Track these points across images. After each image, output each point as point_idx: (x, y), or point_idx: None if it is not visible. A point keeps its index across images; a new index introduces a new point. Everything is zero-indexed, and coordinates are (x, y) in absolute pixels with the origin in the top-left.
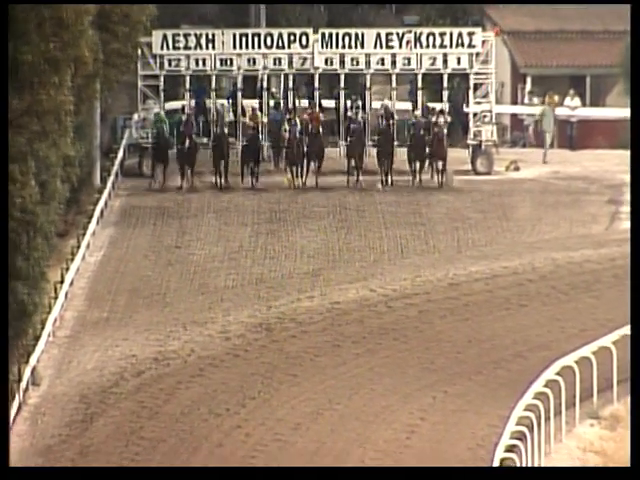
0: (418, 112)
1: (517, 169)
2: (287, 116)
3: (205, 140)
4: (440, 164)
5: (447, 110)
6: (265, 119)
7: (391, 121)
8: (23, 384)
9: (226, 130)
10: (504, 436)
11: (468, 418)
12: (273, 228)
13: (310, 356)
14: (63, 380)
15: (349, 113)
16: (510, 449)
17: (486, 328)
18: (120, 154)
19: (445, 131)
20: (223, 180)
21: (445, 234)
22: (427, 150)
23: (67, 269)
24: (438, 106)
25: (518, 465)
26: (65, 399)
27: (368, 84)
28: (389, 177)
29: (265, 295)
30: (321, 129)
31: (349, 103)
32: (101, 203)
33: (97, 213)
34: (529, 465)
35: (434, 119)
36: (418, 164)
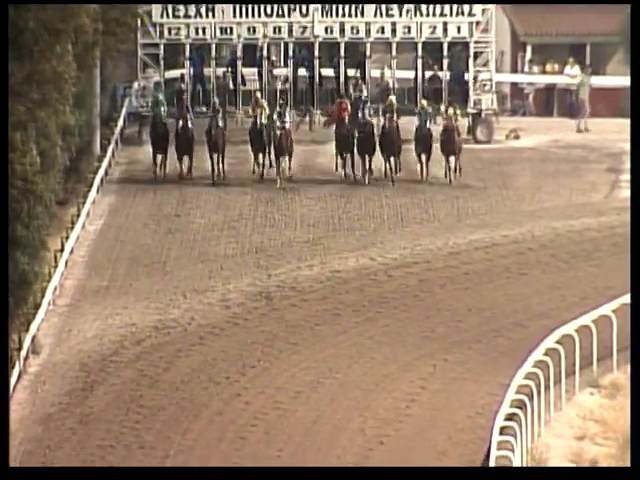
0: (424, 101)
1: (517, 138)
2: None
3: (204, 109)
4: (451, 160)
5: (448, 79)
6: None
7: (395, 118)
8: (23, 352)
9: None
10: (504, 404)
11: (468, 386)
12: (272, 196)
13: (310, 325)
14: (63, 348)
15: (353, 92)
16: (510, 417)
17: (486, 297)
18: (120, 122)
19: (455, 122)
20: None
21: (445, 202)
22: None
23: (67, 238)
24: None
25: (516, 443)
26: (65, 367)
27: (368, 53)
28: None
29: (265, 264)
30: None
31: (351, 72)
32: (101, 171)
33: (97, 181)
34: (529, 433)
35: (443, 108)
36: (424, 158)
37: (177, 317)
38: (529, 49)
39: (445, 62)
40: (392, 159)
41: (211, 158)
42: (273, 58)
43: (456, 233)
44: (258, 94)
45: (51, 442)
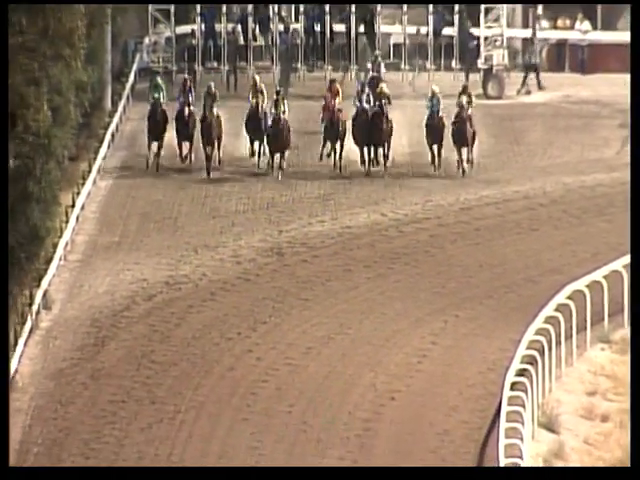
0: (436, 87)
1: (528, 93)
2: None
3: (215, 64)
4: (464, 152)
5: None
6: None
7: (386, 107)
8: (35, 308)
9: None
10: (515, 360)
11: (479, 342)
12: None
13: (321, 280)
14: (74, 304)
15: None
16: (521, 373)
17: (497, 252)
18: (131, 78)
19: (470, 111)
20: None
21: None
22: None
23: (78, 193)
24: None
25: (527, 398)
26: (76, 323)
27: (379, 8)
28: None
29: (276, 219)
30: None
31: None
32: (112, 127)
33: (108, 137)
34: (540, 389)
35: (458, 100)
36: (436, 148)
37: (188, 273)
38: (540, 4)
39: (456, 18)
40: (380, 150)
41: (205, 149)
42: (283, 14)
43: (467, 189)
44: (257, 77)
45: (62, 397)
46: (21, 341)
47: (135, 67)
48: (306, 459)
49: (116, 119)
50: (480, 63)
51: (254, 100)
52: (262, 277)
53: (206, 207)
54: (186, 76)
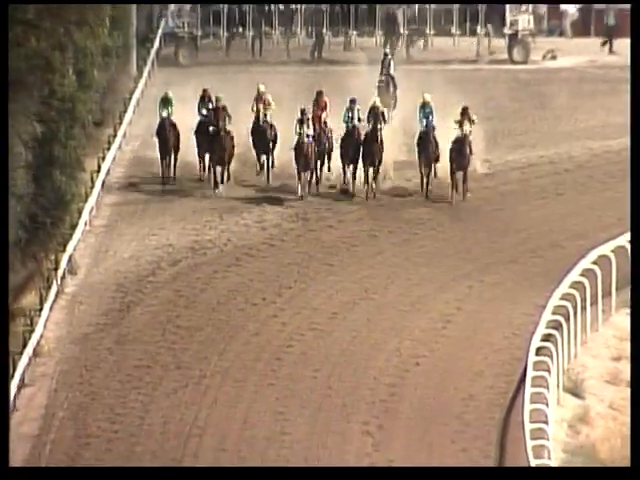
0: (427, 95)
1: (554, 58)
2: None
3: (240, 30)
4: (459, 175)
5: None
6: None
7: (379, 125)
8: (60, 272)
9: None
10: (540, 325)
11: (504, 307)
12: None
13: (346, 246)
14: (100, 269)
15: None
16: (546, 338)
17: (522, 217)
18: (156, 43)
19: (469, 132)
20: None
21: (481, 124)
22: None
23: (103, 158)
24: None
25: (553, 363)
26: (102, 288)
27: None
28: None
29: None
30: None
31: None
32: (137, 92)
33: (134, 102)
34: (565, 354)
35: (457, 119)
36: (426, 170)
37: (213, 238)
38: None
39: None
40: (371, 170)
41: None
42: None
43: (492, 153)
44: (261, 87)
45: (88, 362)
46: (46, 306)
47: (160, 32)
48: (331, 425)
49: (141, 84)
50: (506, 28)
51: (257, 111)
52: (287, 242)
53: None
54: (205, 87)
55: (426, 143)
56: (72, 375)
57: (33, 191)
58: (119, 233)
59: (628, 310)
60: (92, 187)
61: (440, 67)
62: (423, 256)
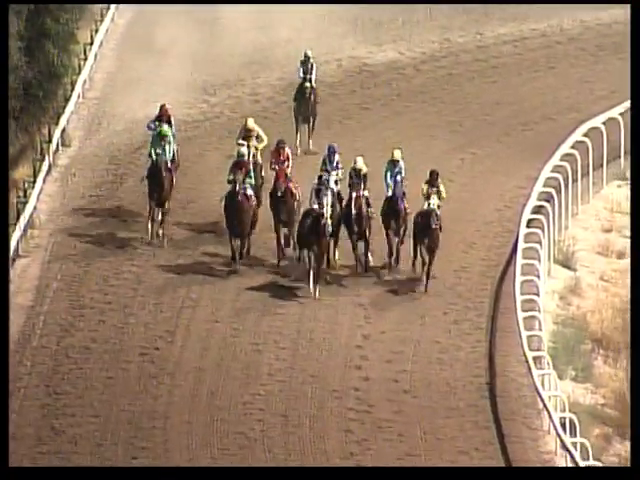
0: (397, 151)
1: None
2: None
3: None
4: (424, 257)
5: None
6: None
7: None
8: (53, 145)
9: None
10: (532, 197)
11: (496, 179)
12: None
13: (339, 118)
14: (93, 141)
15: None
16: (537, 210)
17: (514, 90)
18: None
19: (437, 206)
20: None
21: None
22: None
23: (96, 31)
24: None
25: (544, 235)
26: (95, 160)
27: None
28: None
29: (295, 55)
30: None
31: None
32: None
33: None
34: (556, 226)
35: (424, 189)
36: (395, 240)
37: (206, 111)
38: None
39: None
40: (360, 244)
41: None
42: None
43: (485, 26)
44: (250, 120)
45: (81, 234)
46: (40, 178)
47: None
48: (323, 298)
49: None
50: None
51: (243, 147)
52: (280, 115)
53: (224, 42)
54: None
55: (392, 207)
56: (65, 247)
57: (25, 64)
58: (112, 105)
59: (619, 182)
60: (85, 59)
61: None
62: (415, 129)
